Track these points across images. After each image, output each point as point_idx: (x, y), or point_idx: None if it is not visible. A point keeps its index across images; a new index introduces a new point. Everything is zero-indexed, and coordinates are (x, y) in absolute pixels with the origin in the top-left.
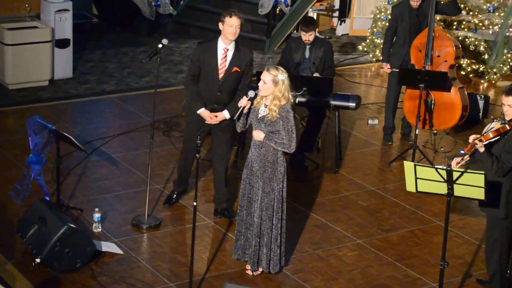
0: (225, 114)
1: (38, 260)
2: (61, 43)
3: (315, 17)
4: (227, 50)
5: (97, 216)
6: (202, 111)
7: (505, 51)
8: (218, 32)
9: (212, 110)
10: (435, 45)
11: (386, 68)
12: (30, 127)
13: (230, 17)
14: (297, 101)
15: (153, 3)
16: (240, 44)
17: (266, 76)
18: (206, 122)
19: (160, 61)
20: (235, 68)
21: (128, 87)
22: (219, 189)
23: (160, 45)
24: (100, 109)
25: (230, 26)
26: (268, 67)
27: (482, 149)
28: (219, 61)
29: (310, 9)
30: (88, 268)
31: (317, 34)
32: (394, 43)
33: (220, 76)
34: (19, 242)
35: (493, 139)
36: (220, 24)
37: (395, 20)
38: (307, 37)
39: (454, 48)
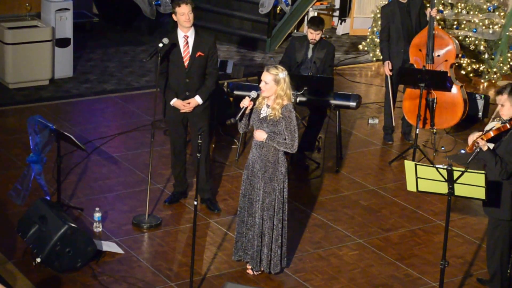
0: (197, 99)
1: (38, 259)
2: (62, 42)
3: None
4: (187, 37)
5: (97, 215)
6: (175, 101)
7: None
8: (219, 31)
9: (185, 99)
10: (435, 44)
11: (387, 67)
12: (31, 126)
13: (179, 6)
14: (297, 101)
15: (153, 2)
16: (200, 29)
17: (267, 77)
18: (181, 111)
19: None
20: (199, 53)
21: (128, 86)
22: (200, 177)
23: (160, 45)
24: (100, 109)
25: (182, 14)
26: (267, 67)
27: (485, 147)
28: (182, 49)
29: (311, 9)
30: (88, 267)
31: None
32: (390, 42)
33: (186, 63)
34: (20, 242)
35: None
36: (173, 16)
37: (386, 20)
38: (314, 36)
39: (455, 46)
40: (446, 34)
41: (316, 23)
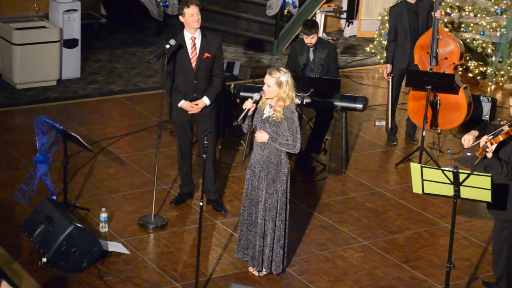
0: (205, 100)
1: (44, 259)
2: (69, 43)
3: (322, 19)
4: (194, 38)
5: (103, 216)
6: (183, 103)
7: None
8: (226, 33)
9: (192, 100)
10: (439, 46)
11: (386, 71)
12: (38, 127)
13: (188, 7)
14: (304, 102)
15: (161, 4)
16: (206, 31)
17: (269, 80)
18: (189, 112)
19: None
20: (206, 54)
21: (135, 87)
22: (207, 178)
23: (167, 46)
24: (107, 109)
25: (191, 15)
26: (269, 70)
27: (490, 155)
28: (189, 51)
29: (318, 11)
30: (94, 267)
31: (324, 35)
32: (397, 43)
33: (193, 64)
34: (26, 241)
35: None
36: (180, 17)
37: (394, 20)
38: (309, 40)
39: (458, 48)
40: (449, 36)
41: (308, 27)
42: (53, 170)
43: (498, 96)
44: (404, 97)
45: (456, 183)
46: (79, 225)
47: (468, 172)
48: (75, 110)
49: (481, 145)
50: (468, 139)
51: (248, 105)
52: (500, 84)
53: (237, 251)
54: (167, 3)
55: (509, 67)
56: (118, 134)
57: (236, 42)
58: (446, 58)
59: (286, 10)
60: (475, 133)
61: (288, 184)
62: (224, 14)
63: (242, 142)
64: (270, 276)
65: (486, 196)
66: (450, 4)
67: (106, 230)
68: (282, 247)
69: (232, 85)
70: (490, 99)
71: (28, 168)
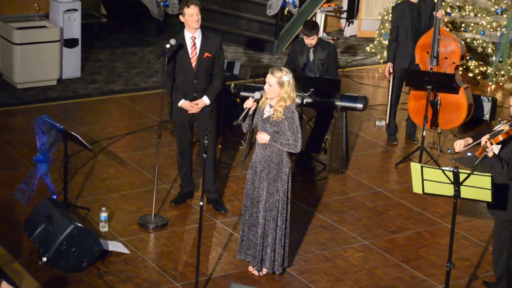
0: (205, 100)
1: (44, 259)
2: (70, 43)
3: (323, 18)
4: (195, 38)
5: (104, 215)
6: (183, 103)
7: None
8: (227, 32)
9: (192, 100)
10: (440, 46)
11: (387, 69)
12: (38, 126)
13: (188, 7)
14: (304, 102)
15: (161, 3)
16: (206, 31)
17: (271, 79)
18: (189, 112)
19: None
20: (206, 54)
21: (136, 87)
22: (207, 177)
23: (167, 45)
24: (108, 109)
25: (191, 15)
26: (272, 70)
27: (490, 154)
28: (190, 50)
29: (318, 10)
30: (94, 267)
31: (325, 35)
32: (398, 42)
33: (193, 64)
34: (26, 241)
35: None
36: (181, 17)
37: (396, 19)
38: (309, 41)
39: (459, 48)
40: (451, 36)
41: (308, 28)
42: (53, 169)
43: (498, 96)
44: (404, 96)
45: (457, 183)
46: (79, 224)
47: (469, 172)
48: (76, 109)
49: (481, 145)
50: (459, 144)
51: (249, 104)
52: (501, 84)
53: (239, 252)
54: (167, 3)
55: (509, 67)
56: (118, 134)
57: (236, 42)
58: (446, 58)
59: (286, 10)
60: (469, 140)
61: (290, 183)
62: (224, 14)
63: (242, 141)
64: (270, 276)
65: (487, 196)
66: (450, 4)
67: (106, 229)
68: (283, 247)
69: (232, 85)
70: (490, 99)
71: (28, 168)
